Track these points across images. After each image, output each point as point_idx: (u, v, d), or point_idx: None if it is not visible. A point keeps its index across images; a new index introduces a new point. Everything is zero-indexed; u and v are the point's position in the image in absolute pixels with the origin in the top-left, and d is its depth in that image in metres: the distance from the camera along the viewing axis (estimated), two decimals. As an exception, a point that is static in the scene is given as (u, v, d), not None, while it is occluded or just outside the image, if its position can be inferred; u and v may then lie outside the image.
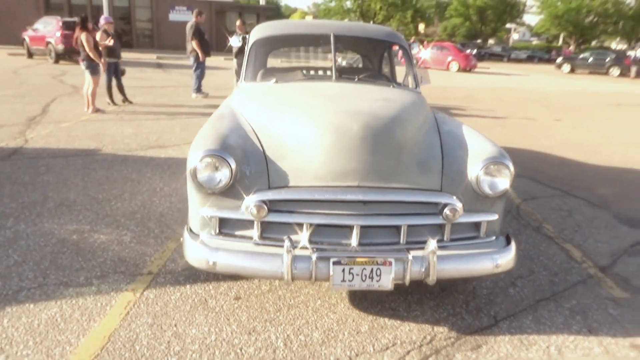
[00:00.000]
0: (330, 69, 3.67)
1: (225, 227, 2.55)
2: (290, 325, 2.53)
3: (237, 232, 2.54)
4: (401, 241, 2.51)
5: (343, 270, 2.33)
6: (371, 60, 4.77)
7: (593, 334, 2.62)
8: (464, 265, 2.47)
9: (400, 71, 4.07)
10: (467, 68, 25.14)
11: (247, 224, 2.53)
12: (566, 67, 29.90)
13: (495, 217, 2.64)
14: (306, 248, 2.37)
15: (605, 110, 12.20)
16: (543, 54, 46.41)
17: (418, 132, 2.78)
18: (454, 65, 25.22)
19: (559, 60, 31.74)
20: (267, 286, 2.88)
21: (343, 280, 2.34)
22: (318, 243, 2.47)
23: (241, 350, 2.31)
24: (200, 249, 2.44)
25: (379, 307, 2.72)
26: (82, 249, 3.24)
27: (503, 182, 2.57)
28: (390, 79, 4.03)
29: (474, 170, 2.56)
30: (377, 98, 3.00)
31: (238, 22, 11.17)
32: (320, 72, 4.24)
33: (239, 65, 4.99)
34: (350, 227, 2.47)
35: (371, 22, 46.58)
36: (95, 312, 2.54)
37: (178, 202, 4.19)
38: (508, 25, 55.98)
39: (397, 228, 2.52)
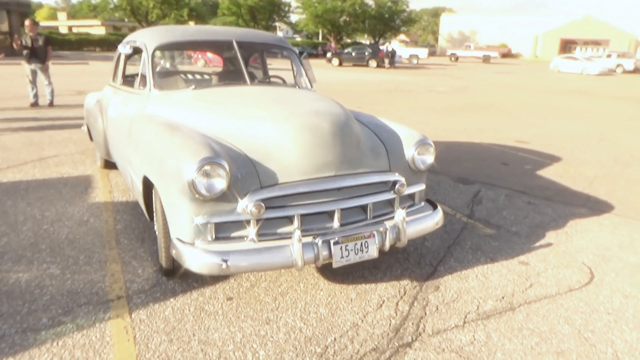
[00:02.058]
0: (232, 72, 3.85)
1: (219, 231, 2.63)
2: (295, 308, 2.77)
3: (233, 234, 2.66)
4: (368, 217, 2.98)
5: (341, 249, 2.69)
6: (262, 64, 5.00)
7: (494, 260, 3.53)
8: (418, 227, 3.08)
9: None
10: (214, 63, 26.23)
11: (239, 225, 2.66)
12: (335, 61, 33.69)
13: (423, 187, 3.31)
14: (310, 235, 2.65)
15: (384, 95, 14.50)
16: (311, 50, 51.02)
17: (359, 125, 3.26)
18: (200, 61, 26.05)
19: (329, 55, 35.58)
20: (248, 282, 3.02)
21: (341, 257, 2.70)
22: (307, 230, 2.76)
23: (273, 338, 2.48)
24: (209, 255, 2.50)
25: (350, 278, 3.14)
26: (11, 292, 2.81)
27: (430, 158, 3.25)
28: (285, 81, 4.38)
29: (410, 151, 3.17)
30: (313, 98, 3.36)
31: (27, 22, 9.78)
32: (207, 76, 4.35)
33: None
34: (331, 212, 2.83)
35: (144, 21, 44.38)
36: (98, 346, 2.36)
37: (75, 225, 3.82)
38: (274, 24, 59.62)
39: (362, 206, 2.98)
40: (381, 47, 34.77)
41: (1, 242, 3.48)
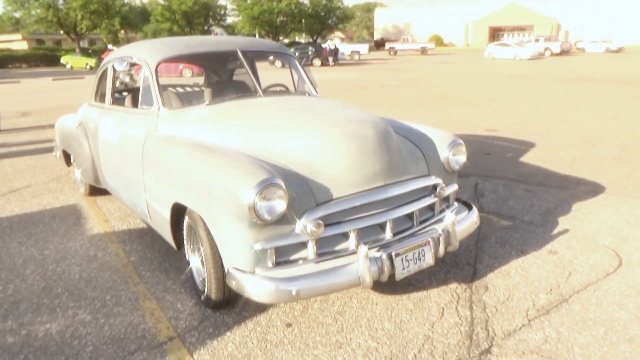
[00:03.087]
0: (226, 83, 3.65)
1: (278, 256, 2.48)
2: (360, 327, 2.66)
3: (292, 257, 2.51)
4: (415, 224, 2.91)
5: (402, 260, 2.61)
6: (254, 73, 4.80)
7: (524, 252, 3.57)
8: (462, 228, 3.04)
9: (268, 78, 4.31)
10: (200, 73, 25.56)
11: (296, 247, 2.53)
12: (278, 63, 33.40)
13: (456, 187, 3.28)
14: (376, 250, 2.55)
15: (339, 93, 14.54)
16: (251, 52, 50.54)
17: (392, 130, 3.19)
18: (188, 72, 25.30)
19: (271, 57, 35.27)
20: (300, 305, 2.88)
21: (403, 269, 2.62)
22: (363, 244, 2.66)
23: (353, 362, 2.37)
24: (276, 284, 2.35)
25: (399, 287, 3.07)
26: (46, 348, 2.53)
27: (463, 157, 3.23)
28: (288, 88, 4.22)
29: (444, 153, 3.14)
30: (341, 106, 3.25)
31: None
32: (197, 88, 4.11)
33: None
34: (381, 223, 2.74)
35: (72, 32, 42.21)
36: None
37: (84, 261, 3.52)
38: (210, 28, 58.55)
39: (408, 214, 2.92)
40: (324, 45, 34.90)
41: (8, 291, 3.13)
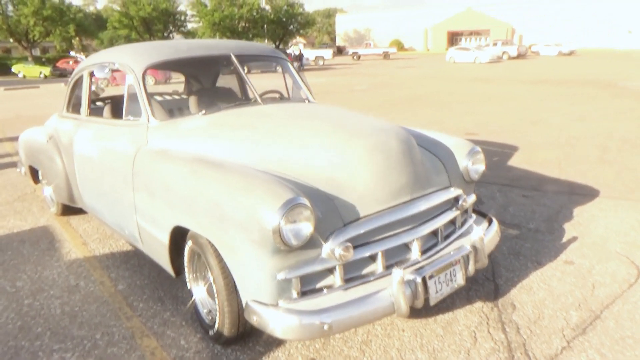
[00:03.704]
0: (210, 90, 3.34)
1: (303, 285, 2.21)
2: (391, 358, 2.41)
3: (317, 285, 2.24)
4: (439, 240, 2.70)
5: (435, 283, 2.38)
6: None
7: (540, 263, 3.42)
8: (489, 241, 2.84)
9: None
10: (165, 80, 24.89)
11: (321, 273, 2.26)
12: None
13: (475, 198, 3.09)
14: (409, 272, 2.30)
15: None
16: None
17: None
18: (150, 79, 24.57)
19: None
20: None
21: (437, 292, 2.39)
22: (389, 267, 2.42)
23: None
24: (305, 318, 2.07)
25: (422, 310, 2.83)
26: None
27: (482, 166, 3.04)
28: (283, 95, 3.95)
29: (463, 162, 2.94)
30: (353, 115, 3.00)
31: None
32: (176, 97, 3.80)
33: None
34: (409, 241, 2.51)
35: (23, 40, 40.37)
36: None
37: (65, 293, 3.13)
38: (170, 34, 57.34)
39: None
40: (288, 51, 34.67)
41: (-17, 332, 2.72)
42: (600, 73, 22.10)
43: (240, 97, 4.32)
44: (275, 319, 2.09)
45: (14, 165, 6.83)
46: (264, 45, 4.18)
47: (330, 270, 2.26)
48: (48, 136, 4.23)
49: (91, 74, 3.77)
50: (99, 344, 2.59)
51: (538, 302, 2.91)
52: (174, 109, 3.40)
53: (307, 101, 3.69)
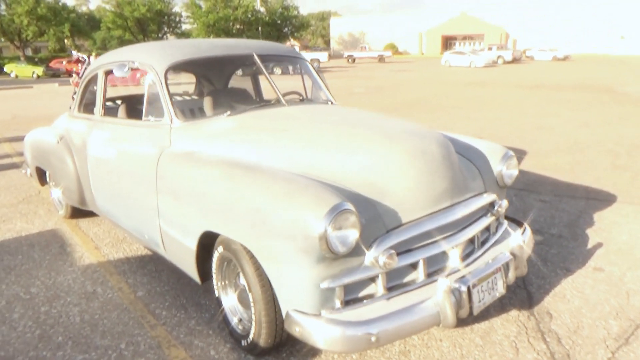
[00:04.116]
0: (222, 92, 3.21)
1: (346, 294, 2.11)
2: (433, 370, 2.32)
3: (360, 295, 2.15)
4: (476, 246, 2.61)
5: (478, 291, 2.29)
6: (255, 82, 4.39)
7: (570, 270, 3.34)
8: (525, 248, 2.76)
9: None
10: (139, 82, 24.66)
11: (364, 282, 2.17)
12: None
13: (507, 203, 3.01)
14: (456, 281, 2.21)
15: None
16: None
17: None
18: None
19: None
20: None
21: (479, 301, 2.30)
22: (432, 274, 2.33)
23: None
24: (351, 329, 1.97)
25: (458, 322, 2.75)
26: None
27: (515, 171, 2.97)
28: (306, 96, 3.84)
29: (497, 167, 2.86)
30: (386, 118, 2.91)
31: None
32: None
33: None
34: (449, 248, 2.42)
35: (16, 40, 39.98)
36: None
37: (83, 300, 3.01)
38: (165, 36, 57.10)
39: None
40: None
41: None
42: (596, 78, 22.22)
43: (255, 99, 4.23)
44: (319, 330, 1.99)
45: (15, 166, 6.68)
46: (283, 46, 4.08)
47: (372, 279, 2.16)
48: (58, 137, 4.10)
49: (107, 73, 3.66)
50: (125, 354, 2.47)
51: (574, 310, 2.83)
52: (193, 109, 3.29)
53: (330, 103, 3.60)
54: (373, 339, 1.96)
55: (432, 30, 66.95)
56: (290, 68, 3.77)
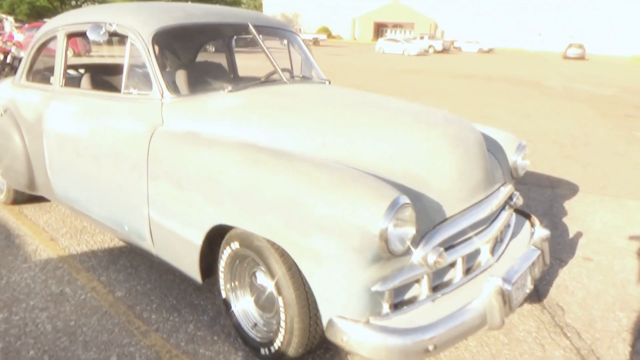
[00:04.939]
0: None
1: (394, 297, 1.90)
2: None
3: (406, 297, 1.95)
4: (498, 240, 2.51)
5: (515, 290, 2.17)
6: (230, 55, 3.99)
7: (563, 261, 3.36)
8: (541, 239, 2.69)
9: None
10: (82, 53, 22.78)
11: (408, 283, 1.97)
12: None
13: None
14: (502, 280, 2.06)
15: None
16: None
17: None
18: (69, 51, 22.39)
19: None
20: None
21: (516, 299, 2.18)
22: (467, 271, 2.19)
23: None
24: (405, 337, 1.77)
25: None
26: None
27: (527, 162, 2.89)
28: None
29: (512, 157, 2.77)
30: (409, 103, 2.69)
31: None
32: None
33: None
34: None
35: None
36: None
37: (51, 304, 2.56)
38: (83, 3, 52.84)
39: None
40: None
41: None
42: (521, 72, 23.45)
43: (230, 75, 3.87)
44: (370, 339, 1.77)
45: None
46: (275, 18, 3.72)
47: (417, 280, 1.97)
48: (2, 109, 3.49)
49: (70, 36, 3.12)
50: (117, 368, 2.10)
51: (581, 302, 2.83)
52: (181, 83, 2.88)
53: (327, 82, 3.32)
54: (431, 347, 1.78)
55: (364, 16, 67.50)
56: (283, 42, 3.43)
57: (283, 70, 3.22)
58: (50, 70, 3.29)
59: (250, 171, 2.00)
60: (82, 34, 2.89)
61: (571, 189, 5.01)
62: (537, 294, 2.90)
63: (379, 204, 1.70)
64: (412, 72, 20.34)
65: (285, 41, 3.47)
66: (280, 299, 1.95)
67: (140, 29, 2.63)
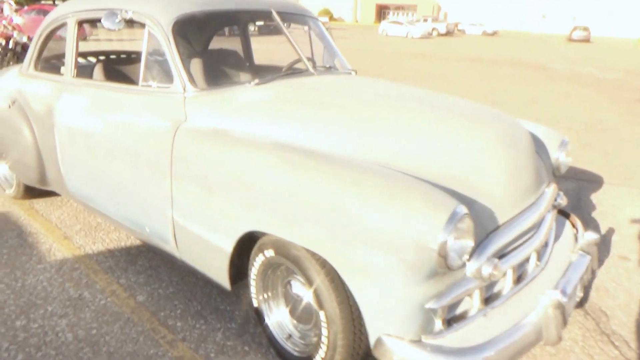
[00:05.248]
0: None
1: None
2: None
3: (458, 312, 1.81)
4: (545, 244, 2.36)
5: (570, 300, 2.03)
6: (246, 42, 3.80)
7: (599, 260, 3.22)
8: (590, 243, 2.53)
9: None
10: (84, 37, 22.43)
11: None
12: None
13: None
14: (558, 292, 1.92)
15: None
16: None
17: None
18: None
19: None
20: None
21: (569, 311, 2.04)
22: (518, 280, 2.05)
23: None
24: (464, 358, 1.62)
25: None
26: None
27: (570, 159, 2.72)
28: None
29: (554, 154, 2.61)
30: (452, 97, 2.52)
31: None
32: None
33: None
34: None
35: None
36: None
37: (69, 309, 2.43)
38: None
39: None
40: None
41: None
42: (526, 54, 23.11)
43: (248, 64, 3.69)
44: (423, 359, 1.63)
45: None
46: (296, 3, 3.52)
47: (468, 293, 1.83)
48: (10, 100, 3.32)
49: (81, 23, 2.94)
50: (146, 384, 1.98)
51: (624, 307, 2.69)
52: (199, 74, 2.70)
53: (353, 72, 3.14)
54: (489, 368, 1.64)
55: (366, -2, 66.57)
56: (304, 28, 3.24)
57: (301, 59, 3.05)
58: (60, 59, 3.11)
59: (289, 175, 1.84)
60: (95, 22, 2.71)
61: (596, 181, 4.86)
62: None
63: (437, 215, 1.55)
64: (416, 56, 20.04)
65: (307, 28, 3.27)
66: (322, 313, 1.81)
67: (159, 17, 2.45)
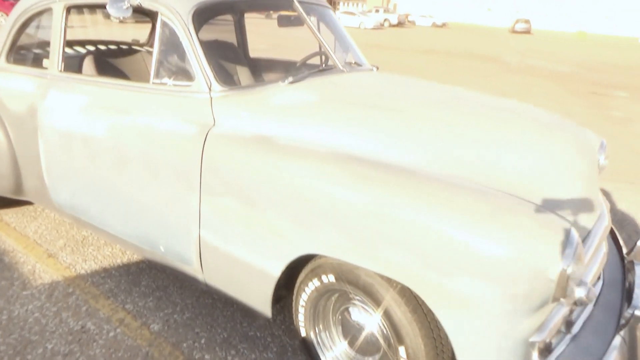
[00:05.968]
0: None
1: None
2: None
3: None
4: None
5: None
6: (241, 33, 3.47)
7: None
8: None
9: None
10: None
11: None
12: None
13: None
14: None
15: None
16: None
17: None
18: (2, 18, 20.42)
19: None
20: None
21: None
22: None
23: None
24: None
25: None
26: None
27: (607, 161, 2.63)
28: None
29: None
30: (483, 95, 2.34)
31: None
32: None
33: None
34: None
35: None
36: None
37: (73, 345, 2.08)
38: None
39: None
40: None
41: None
42: (477, 47, 23.62)
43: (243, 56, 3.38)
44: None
45: None
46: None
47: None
48: (-23, 98, 2.84)
49: (69, 9, 2.53)
50: None
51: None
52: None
53: (375, 69, 2.91)
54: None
55: (316, -13, 66.02)
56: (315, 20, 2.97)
57: (317, 54, 2.82)
58: (41, 48, 2.69)
59: (356, 191, 1.59)
60: (90, 8, 2.33)
61: (600, 179, 4.88)
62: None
63: (554, 240, 1.36)
64: (372, 47, 19.96)
65: (327, 18, 3.02)
66: (402, 349, 1.59)
67: (177, 4, 2.11)
